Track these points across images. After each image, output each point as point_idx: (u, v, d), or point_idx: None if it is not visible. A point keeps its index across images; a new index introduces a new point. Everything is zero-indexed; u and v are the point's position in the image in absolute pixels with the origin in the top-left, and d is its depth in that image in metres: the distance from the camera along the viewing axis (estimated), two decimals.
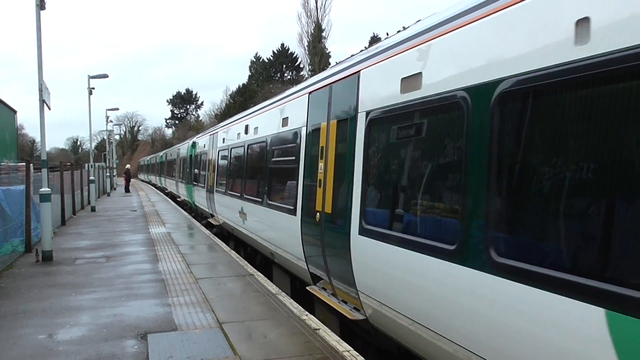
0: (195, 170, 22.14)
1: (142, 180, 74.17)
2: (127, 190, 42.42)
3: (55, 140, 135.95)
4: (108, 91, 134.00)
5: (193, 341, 6.25)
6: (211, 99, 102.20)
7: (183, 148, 28.61)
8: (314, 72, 55.51)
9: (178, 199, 31.43)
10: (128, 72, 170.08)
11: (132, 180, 52.32)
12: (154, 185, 53.95)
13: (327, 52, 63.18)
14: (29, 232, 12.93)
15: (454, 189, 4.29)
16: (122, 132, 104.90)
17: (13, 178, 13.59)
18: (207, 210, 18.74)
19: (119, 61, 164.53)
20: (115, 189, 47.25)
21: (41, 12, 11.96)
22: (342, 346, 5.98)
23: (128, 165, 51.64)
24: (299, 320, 7.01)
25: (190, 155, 23.65)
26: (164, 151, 49.23)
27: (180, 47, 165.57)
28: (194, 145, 23.46)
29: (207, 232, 16.75)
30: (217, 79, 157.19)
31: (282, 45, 75.81)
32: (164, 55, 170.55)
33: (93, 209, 25.05)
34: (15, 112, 34.71)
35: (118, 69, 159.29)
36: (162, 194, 40.50)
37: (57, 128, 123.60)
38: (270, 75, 75.76)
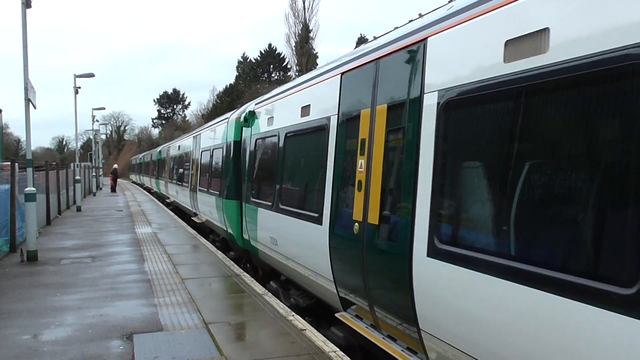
0: (260, 172, 10.28)
1: (135, 183, 62.71)
2: (113, 190, 42.18)
3: (41, 140, 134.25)
4: (98, 91, 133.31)
5: (179, 341, 6.25)
6: (199, 99, 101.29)
7: (213, 133, 15.32)
8: (301, 72, 55.50)
9: (195, 220, 18.10)
10: (119, 71, 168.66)
11: (121, 181, 51.79)
12: (149, 191, 43.32)
13: (315, 52, 63.36)
14: (13, 232, 12.82)
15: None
16: (108, 132, 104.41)
17: None
18: (325, 286, 6.84)
19: (111, 61, 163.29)
20: (101, 188, 46.93)
21: (27, 10, 11.87)
22: (329, 347, 6.02)
23: (115, 165, 51.22)
24: (285, 320, 7.04)
25: (236, 142, 12.15)
26: (166, 144, 35.57)
27: (172, 47, 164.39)
28: (249, 119, 11.13)
29: (193, 232, 16.70)
30: (207, 79, 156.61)
31: (270, 45, 75.77)
32: (155, 56, 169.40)
33: (79, 209, 24.85)
34: (0, 110, 34.37)
35: (109, 69, 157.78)
36: (148, 194, 40.19)
37: (44, 127, 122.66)
38: (257, 76, 75.57)
